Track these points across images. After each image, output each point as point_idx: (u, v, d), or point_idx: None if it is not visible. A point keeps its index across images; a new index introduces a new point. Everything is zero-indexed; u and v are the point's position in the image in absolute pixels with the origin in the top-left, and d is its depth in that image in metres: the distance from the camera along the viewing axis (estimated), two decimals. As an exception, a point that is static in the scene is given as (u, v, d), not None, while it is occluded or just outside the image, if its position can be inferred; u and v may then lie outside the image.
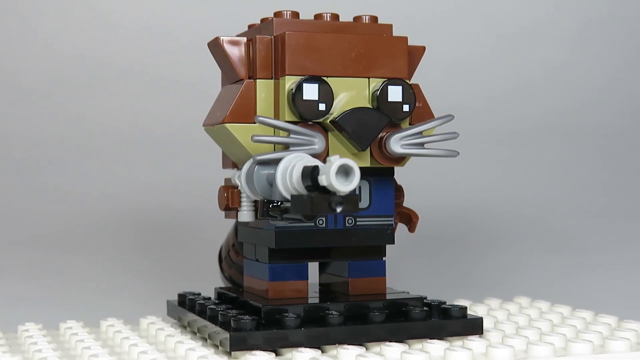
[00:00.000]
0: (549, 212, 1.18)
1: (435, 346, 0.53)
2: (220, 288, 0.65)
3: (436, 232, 1.07)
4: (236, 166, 0.60)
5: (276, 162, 0.52)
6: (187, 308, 0.62)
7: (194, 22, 1.20)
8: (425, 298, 0.59)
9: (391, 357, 0.52)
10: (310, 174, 0.48)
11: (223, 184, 0.60)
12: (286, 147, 0.54)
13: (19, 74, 1.18)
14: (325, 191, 0.47)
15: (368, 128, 0.56)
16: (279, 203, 0.51)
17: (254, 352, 0.51)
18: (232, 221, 0.67)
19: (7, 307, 0.81)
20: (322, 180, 0.46)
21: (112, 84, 1.19)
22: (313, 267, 0.61)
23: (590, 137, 1.29)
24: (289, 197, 0.49)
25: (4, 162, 1.14)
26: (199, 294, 0.64)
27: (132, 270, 0.96)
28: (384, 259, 0.60)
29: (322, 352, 0.53)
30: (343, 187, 0.46)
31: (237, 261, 0.68)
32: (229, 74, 0.58)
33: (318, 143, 0.54)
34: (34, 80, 1.18)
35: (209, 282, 0.74)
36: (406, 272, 0.92)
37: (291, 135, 0.54)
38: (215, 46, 0.58)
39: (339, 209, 0.46)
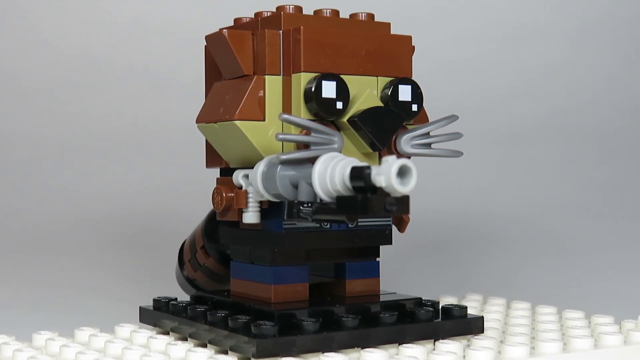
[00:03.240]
0: (548, 213, 1.18)
1: (451, 346, 0.53)
2: (201, 291, 0.63)
3: (433, 233, 1.06)
4: (227, 165, 0.58)
5: (301, 161, 0.51)
6: (171, 313, 0.59)
7: (194, 21, 1.20)
8: (420, 299, 0.59)
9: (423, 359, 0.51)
10: (362, 174, 0.46)
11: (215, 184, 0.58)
12: (305, 146, 0.53)
13: (19, 74, 1.18)
14: (376, 192, 0.46)
15: (385, 127, 0.55)
16: (309, 204, 0.50)
17: (282, 358, 0.50)
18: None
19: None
20: (381, 180, 0.45)
21: (113, 84, 1.19)
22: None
23: (590, 137, 1.29)
24: (326, 198, 0.48)
25: (4, 162, 1.14)
26: (176, 299, 0.61)
27: (124, 272, 0.95)
28: (377, 259, 0.60)
29: (345, 355, 0.52)
30: (402, 188, 0.45)
31: (207, 264, 0.66)
32: (230, 69, 0.56)
33: (338, 142, 0.53)
34: (34, 80, 1.17)
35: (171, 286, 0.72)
36: (402, 273, 0.91)
37: (312, 134, 0.52)
38: (218, 40, 0.56)
39: (393, 210, 0.45)
